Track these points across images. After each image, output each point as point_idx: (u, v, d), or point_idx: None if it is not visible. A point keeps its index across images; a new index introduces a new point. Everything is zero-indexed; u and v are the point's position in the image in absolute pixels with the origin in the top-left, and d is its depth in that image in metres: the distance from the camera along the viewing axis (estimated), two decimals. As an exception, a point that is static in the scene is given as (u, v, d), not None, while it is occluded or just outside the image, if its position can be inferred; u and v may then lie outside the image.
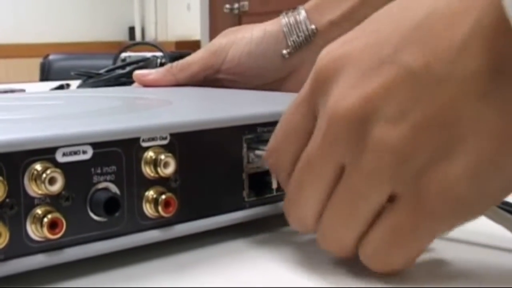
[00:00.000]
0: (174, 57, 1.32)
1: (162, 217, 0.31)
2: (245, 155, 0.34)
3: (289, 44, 0.57)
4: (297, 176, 0.29)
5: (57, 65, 2.27)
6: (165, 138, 0.31)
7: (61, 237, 0.28)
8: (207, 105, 0.41)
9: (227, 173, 0.33)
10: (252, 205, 0.34)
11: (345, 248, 0.29)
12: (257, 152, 0.34)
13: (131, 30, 4.83)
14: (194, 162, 0.32)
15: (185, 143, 0.31)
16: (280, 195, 0.35)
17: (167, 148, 0.31)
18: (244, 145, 0.34)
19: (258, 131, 0.34)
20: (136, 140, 0.30)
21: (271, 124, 0.34)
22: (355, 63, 0.28)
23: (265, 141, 0.34)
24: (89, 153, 0.29)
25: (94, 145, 0.29)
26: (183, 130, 0.31)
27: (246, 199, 0.34)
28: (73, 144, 0.28)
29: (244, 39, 0.57)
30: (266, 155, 0.32)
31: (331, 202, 0.28)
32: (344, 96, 0.27)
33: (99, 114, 0.36)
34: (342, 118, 0.27)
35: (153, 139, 0.30)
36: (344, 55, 0.28)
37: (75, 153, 0.28)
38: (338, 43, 0.29)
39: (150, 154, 0.30)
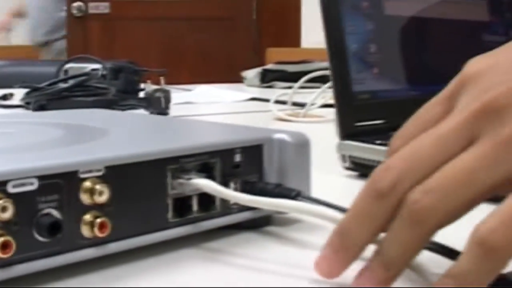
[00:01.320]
0: (114, 69, 1.38)
1: (98, 237, 0.36)
2: (169, 183, 0.40)
3: None
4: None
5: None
6: (100, 170, 0.37)
7: (11, 256, 0.33)
8: (139, 138, 0.47)
9: (154, 198, 0.39)
10: (176, 225, 0.40)
11: None
12: (180, 180, 0.40)
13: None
14: (125, 189, 0.38)
15: (118, 174, 0.37)
16: (200, 216, 0.41)
17: (102, 178, 0.37)
18: (168, 174, 0.40)
19: (180, 162, 0.40)
20: (75, 173, 0.36)
21: (191, 156, 0.40)
22: (501, 65, 0.33)
23: (187, 170, 0.40)
24: (35, 185, 0.34)
25: (40, 177, 0.34)
26: (116, 163, 0.37)
27: (170, 220, 0.40)
28: (22, 177, 0.34)
29: None
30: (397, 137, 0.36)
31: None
32: (489, 88, 0.32)
33: (44, 147, 0.42)
34: (486, 105, 0.32)
35: (90, 171, 0.36)
36: (489, 61, 0.34)
37: (23, 185, 0.34)
38: (482, 56, 0.35)
39: (87, 184, 0.36)
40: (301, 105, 1.16)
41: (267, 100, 1.28)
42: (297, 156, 0.46)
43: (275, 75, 1.83)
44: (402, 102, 0.70)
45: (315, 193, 0.46)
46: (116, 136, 0.46)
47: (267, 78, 1.84)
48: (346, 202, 0.56)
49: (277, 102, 1.25)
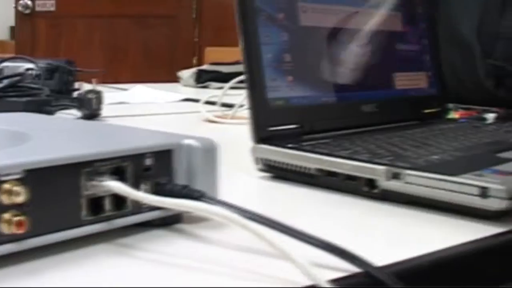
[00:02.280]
0: (49, 69, 1.40)
1: (16, 234, 0.41)
2: (83, 185, 0.44)
3: None
4: None
5: None
6: (19, 173, 0.41)
7: None
8: (58, 143, 0.51)
9: (69, 199, 0.44)
10: (89, 223, 0.45)
11: None
12: (93, 182, 0.44)
13: (12, 29, 4.82)
14: (43, 190, 0.42)
15: (36, 176, 0.42)
16: (113, 214, 0.46)
17: (21, 181, 0.41)
18: (83, 177, 0.44)
19: (94, 165, 0.45)
20: (-5, 176, 0.40)
21: (104, 160, 0.45)
22: None
23: (100, 173, 0.45)
24: (-42, 186, 0.38)
25: (-38, 180, 0.39)
26: (34, 167, 0.42)
27: (83, 218, 0.45)
28: None
29: None
30: None
31: None
32: None
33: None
34: None
35: (9, 174, 0.41)
36: None
37: None
38: None
39: (7, 186, 0.40)
40: (230, 106, 1.20)
41: (199, 101, 1.33)
42: (204, 160, 0.50)
43: (210, 76, 1.88)
44: (315, 108, 0.76)
45: (229, 192, 0.51)
46: (37, 141, 0.50)
47: (202, 79, 1.88)
48: (257, 201, 0.62)
49: (208, 103, 1.30)
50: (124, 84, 1.84)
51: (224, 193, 0.51)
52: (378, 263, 0.42)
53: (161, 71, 3.18)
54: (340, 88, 0.80)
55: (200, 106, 1.23)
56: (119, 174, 0.46)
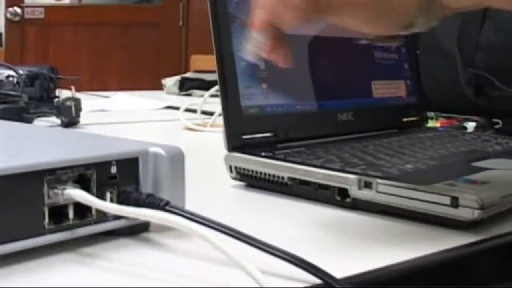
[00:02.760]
0: (30, 76, 1.39)
1: (-22, 242, 0.40)
2: (46, 193, 0.44)
3: None
4: None
5: None
6: (-23, 181, 0.40)
7: None
8: (22, 150, 0.50)
9: (31, 207, 0.43)
10: (52, 232, 0.44)
11: None
12: (55, 191, 0.44)
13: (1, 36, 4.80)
14: (4, 198, 0.41)
15: (-5, 184, 0.41)
16: (76, 223, 0.45)
17: (-20, 188, 0.40)
18: (45, 185, 0.44)
19: (57, 173, 0.44)
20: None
21: (67, 168, 0.44)
22: None
23: (63, 181, 0.44)
24: None
25: None
26: (-6, 174, 0.41)
27: (46, 227, 0.44)
28: None
29: None
30: None
31: None
32: None
33: None
34: None
35: (-33, 182, 0.40)
36: None
37: None
38: None
39: (-35, 194, 0.40)
40: (211, 114, 1.20)
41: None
42: (171, 168, 0.50)
43: (194, 84, 1.87)
44: (289, 116, 0.75)
45: (200, 201, 0.51)
46: (2, 148, 0.49)
47: (186, 87, 1.88)
48: (228, 210, 0.61)
49: (189, 111, 1.29)
50: (109, 91, 1.83)
51: (195, 202, 0.51)
52: (340, 275, 0.42)
53: (147, 79, 3.16)
54: (315, 96, 0.79)
55: (180, 114, 1.22)
56: (83, 182, 0.46)
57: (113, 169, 0.47)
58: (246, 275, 0.40)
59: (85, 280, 0.42)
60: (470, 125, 1.10)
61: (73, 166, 0.45)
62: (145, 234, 0.51)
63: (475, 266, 0.53)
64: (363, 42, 0.84)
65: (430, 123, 1.06)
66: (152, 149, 0.50)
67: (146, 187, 0.49)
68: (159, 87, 2.06)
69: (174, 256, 0.47)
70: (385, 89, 0.91)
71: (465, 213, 0.53)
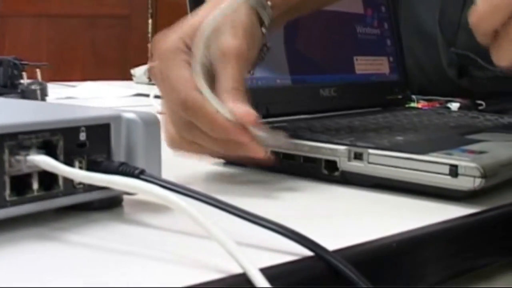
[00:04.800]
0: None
1: None
2: (7, 160, 0.39)
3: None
4: None
5: None
6: None
7: None
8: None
9: (-10, 176, 0.39)
10: (13, 204, 0.40)
11: None
12: (17, 157, 0.39)
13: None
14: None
15: None
16: (42, 195, 0.41)
17: None
18: (6, 151, 0.39)
19: (19, 138, 0.40)
20: None
21: (31, 133, 0.40)
22: None
23: (26, 147, 0.40)
24: None
25: None
26: None
27: (7, 199, 0.40)
28: None
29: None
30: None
31: None
32: None
33: None
34: None
35: None
36: None
37: None
38: None
39: None
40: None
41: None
42: (146, 135, 0.46)
43: (164, 72, 1.82)
44: (269, 90, 0.71)
45: (178, 179, 0.46)
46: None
47: (156, 75, 1.83)
48: (209, 187, 0.57)
49: (159, 97, 1.25)
50: (74, 82, 1.78)
51: (172, 178, 0.47)
52: (332, 247, 0.38)
53: (114, 72, 3.11)
54: (297, 70, 0.76)
55: (152, 100, 1.18)
56: (48, 149, 0.41)
57: (82, 136, 0.43)
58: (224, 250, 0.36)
59: (53, 256, 0.37)
60: (454, 106, 1.07)
61: (37, 131, 0.41)
62: (118, 209, 0.47)
63: (475, 238, 0.50)
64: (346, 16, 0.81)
65: (411, 105, 1.03)
66: (125, 115, 0.45)
67: (119, 156, 0.45)
68: (128, 79, 2.01)
69: (149, 230, 0.43)
70: (368, 65, 0.87)
71: (465, 183, 0.50)
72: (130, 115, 0.46)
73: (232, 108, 0.51)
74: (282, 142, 0.54)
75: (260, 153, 0.52)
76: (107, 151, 0.45)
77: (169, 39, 0.54)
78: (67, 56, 3.92)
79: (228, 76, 0.52)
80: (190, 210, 0.37)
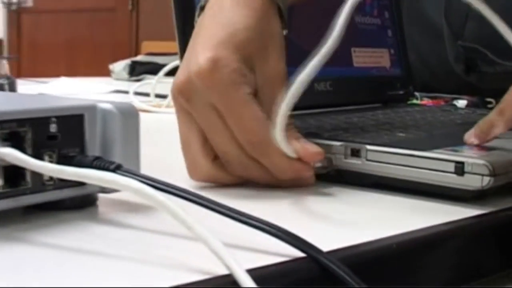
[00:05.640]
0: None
1: None
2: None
3: None
4: None
5: None
6: None
7: None
8: None
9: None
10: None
11: None
12: None
13: None
14: None
15: None
16: (6, 192, 0.41)
17: None
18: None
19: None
20: None
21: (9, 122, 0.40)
22: None
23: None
24: None
25: None
26: None
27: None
28: None
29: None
30: None
31: None
32: None
33: None
34: None
35: None
36: None
37: None
38: None
39: None
40: (165, 96, 1.16)
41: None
42: (123, 128, 0.45)
43: (146, 68, 1.82)
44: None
45: (160, 172, 0.46)
46: None
47: (137, 71, 1.83)
48: (192, 185, 0.57)
49: (141, 94, 1.25)
50: (45, 78, 1.77)
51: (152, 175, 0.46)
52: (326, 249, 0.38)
53: (93, 66, 3.12)
54: (288, 62, 0.75)
55: (131, 97, 1.18)
56: (15, 142, 0.41)
57: (53, 128, 0.43)
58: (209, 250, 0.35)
59: (21, 258, 0.37)
60: (461, 103, 1.06)
61: (3, 121, 0.40)
62: (92, 209, 0.46)
63: (482, 242, 0.50)
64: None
65: (414, 101, 1.03)
66: (101, 105, 0.45)
67: (94, 150, 0.45)
68: (107, 75, 2.01)
69: (126, 230, 0.43)
70: (367, 58, 0.87)
71: (472, 181, 0.50)
72: (106, 106, 0.45)
73: (299, 149, 0.54)
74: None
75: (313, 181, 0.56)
76: (80, 144, 0.44)
77: (223, 71, 0.53)
78: (45, 52, 3.94)
79: (280, 107, 0.52)
80: (170, 205, 0.36)
